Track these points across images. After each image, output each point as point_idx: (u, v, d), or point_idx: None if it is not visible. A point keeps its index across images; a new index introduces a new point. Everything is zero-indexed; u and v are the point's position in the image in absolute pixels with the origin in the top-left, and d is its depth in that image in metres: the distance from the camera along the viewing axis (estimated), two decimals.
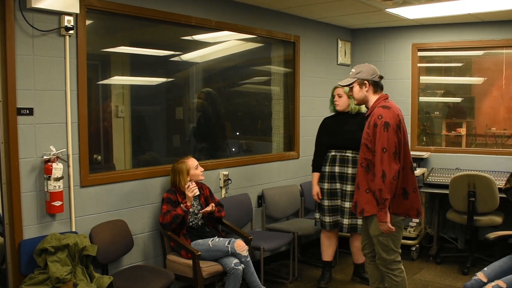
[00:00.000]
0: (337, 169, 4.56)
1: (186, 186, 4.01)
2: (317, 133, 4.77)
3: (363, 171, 3.59)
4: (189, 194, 4.00)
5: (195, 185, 4.05)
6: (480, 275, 3.25)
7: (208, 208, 4.15)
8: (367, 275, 4.65)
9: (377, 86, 3.63)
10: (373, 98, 3.62)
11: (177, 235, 4.00)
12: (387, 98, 3.63)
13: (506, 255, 3.48)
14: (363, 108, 4.46)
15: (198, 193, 4.05)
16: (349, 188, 4.49)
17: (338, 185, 4.56)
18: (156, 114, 4.68)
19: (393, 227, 3.44)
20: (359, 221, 4.46)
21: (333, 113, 4.73)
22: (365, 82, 3.60)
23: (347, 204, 4.50)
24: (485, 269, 3.31)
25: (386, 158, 3.37)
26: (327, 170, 4.60)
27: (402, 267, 3.66)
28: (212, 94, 5.03)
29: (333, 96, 4.64)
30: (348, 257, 5.34)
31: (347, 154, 4.51)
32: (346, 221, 4.53)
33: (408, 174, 3.54)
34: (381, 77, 3.66)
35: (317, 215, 4.70)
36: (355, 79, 3.63)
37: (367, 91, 3.62)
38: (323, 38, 5.99)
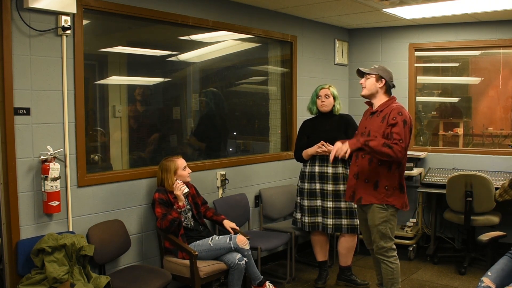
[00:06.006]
0: (317, 169, 4.56)
1: (174, 186, 3.97)
2: (297, 135, 4.82)
3: (365, 162, 3.81)
4: (177, 192, 3.94)
5: (182, 183, 4.00)
6: (487, 281, 3.16)
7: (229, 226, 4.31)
8: (354, 277, 4.70)
9: (389, 88, 3.90)
10: (382, 96, 3.87)
11: (176, 236, 4.00)
12: (396, 99, 3.91)
13: (500, 255, 3.47)
14: (341, 110, 4.65)
15: (187, 190, 3.98)
16: (330, 187, 4.50)
17: (317, 185, 4.55)
18: (154, 114, 4.68)
19: (346, 154, 3.64)
20: (344, 221, 4.53)
21: (313, 115, 4.71)
22: (383, 79, 3.84)
23: (330, 204, 4.51)
24: (489, 273, 3.21)
25: (401, 147, 3.59)
26: (307, 170, 4.61)
27: (397, 255, 3.92)
28: (217, 94, 5.04)
29: (317, 96, 4.60)
30: None
31: (327, 154, 4.51)
32: (330, 221, 4.52)
33: (404, 171, 3.85)
34: (393, 86, 3.93)
35: (298, 215, 4.69)
36: (376, 73, 3.86)
37: (380, 87, 3.85)
38: (320, 38, 6.00)
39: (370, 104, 3.95)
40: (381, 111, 3.80)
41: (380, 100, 3.86)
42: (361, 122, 4.02)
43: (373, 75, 3.85)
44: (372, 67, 3.92)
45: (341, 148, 3.63)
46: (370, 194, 3.79)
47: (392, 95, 3.92)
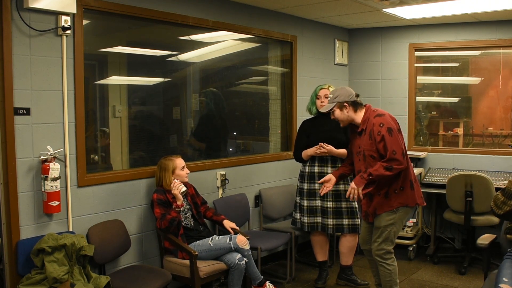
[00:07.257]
0: (316, 169, 4.56)
1: (172, 185, 3.97)
2: (297, 135, 4.80)
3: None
4: (175, 191, 3.94)
5: (180, 182, 4.00)
6: (506, 287, 2.97)
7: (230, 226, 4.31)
8: (355, 277, 4.70)
9: (356, 105, 3.83)
10: (357, 115, 3.83)
11: (175, 236, 4.00)
12: (371, 106, 3.86)
13: (498, 255, 3.44)
14: None
15: (184, 189, 3.97)
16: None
17: (317, 186, 4.52)
18: (153, 114, 4.68)
19: (360, 196, 3.75)
20: (345, 221, 4.53)
21: (313, 115, 4.70)
22: (345, 104, 3.80)
23: (330, 204, 4.51)
24: (504, 279, 3.02)
25: (399, 158, 3.62)
26: (306, 170, 4.61)
27: (394, 257, 3.92)
28: (216, 94, 5.04)
29: (316, 97, 4.60)
30: None
31: (326, 154, 4.50)
32: (330, 221, 4.53)
33: (410, 166, 3.81)
34: (357, 95, 3.87)
35: (297, 215, 4.69)
36: (334, 104, 3.83)
37: (348, 112, 3.81)
38: (320, 38, 6.00)
39: (354, 125, 3.91)
40: (366, 129, 3.78)
41: (358, 118, 3.83)
42: (354, 141, 3.95)
43: (335, 107, 3.83)
44: (330, 94, 3.93)
45: (353, 192, 3.72)
46: (384, 204, 3.81)
47: (363, 104, 3.87)
